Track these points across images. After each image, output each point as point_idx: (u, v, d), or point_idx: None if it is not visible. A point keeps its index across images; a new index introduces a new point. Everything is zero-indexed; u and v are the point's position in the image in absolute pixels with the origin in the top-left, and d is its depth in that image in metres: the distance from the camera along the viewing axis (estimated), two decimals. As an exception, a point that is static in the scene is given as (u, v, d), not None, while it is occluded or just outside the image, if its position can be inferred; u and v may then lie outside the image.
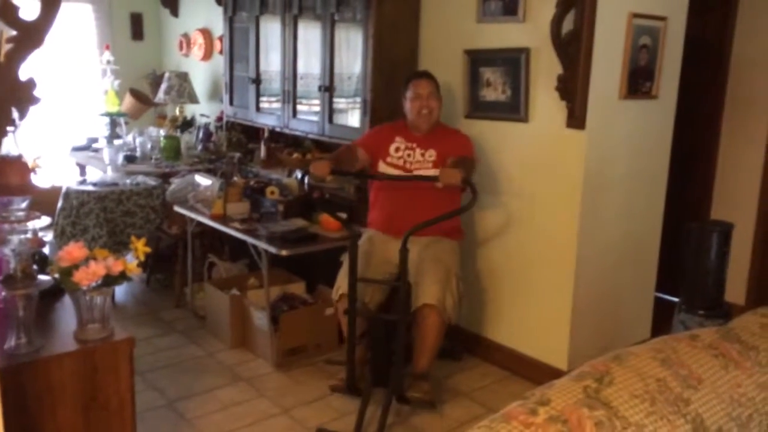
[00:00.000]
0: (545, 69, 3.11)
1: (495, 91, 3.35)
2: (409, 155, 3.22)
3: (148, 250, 2.16)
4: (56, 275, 2.06)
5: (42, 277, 2.33)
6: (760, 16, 3.93)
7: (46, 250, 2.68)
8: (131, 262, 2.10)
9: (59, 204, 4.14)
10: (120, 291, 4.43)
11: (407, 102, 3.21)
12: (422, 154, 3.20)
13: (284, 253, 3.29)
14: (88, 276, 1.93)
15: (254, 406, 3.11)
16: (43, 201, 4.06)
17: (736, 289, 4.06)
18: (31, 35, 1.58)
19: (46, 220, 2.06)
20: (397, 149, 3.24)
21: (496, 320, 3.56)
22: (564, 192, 3.14)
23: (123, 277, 2.02)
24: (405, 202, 3.16)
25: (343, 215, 3.43)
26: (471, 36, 3.42)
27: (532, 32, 3.15)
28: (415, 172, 3.16)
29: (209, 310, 3.89)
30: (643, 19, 3.07)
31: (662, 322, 3.56)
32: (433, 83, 3.21)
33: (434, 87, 3.21)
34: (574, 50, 2.95)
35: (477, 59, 3.39)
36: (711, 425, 1.35)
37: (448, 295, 2.96)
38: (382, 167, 3.23)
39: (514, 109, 3.27)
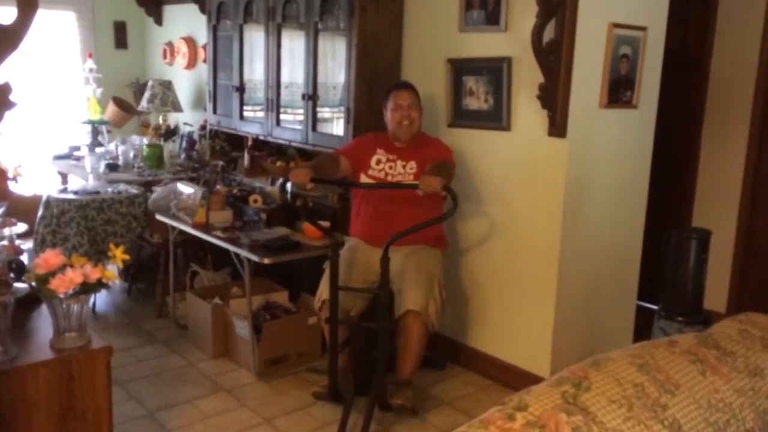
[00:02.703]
0: (527, 78, 3.14)
1: (477, 100, 3.36)
2: (390, 167, 3.23)
3: (126, 257, 2.14)
4: (33, 283, 2.03)
5: (19, 285, 2.31)
6: (738, 27, 3.99)
7: (25, 258, 2.65)
8: (111, 269, 2.08)
9: (39, 212, 4.10)
10: (101, 300, 4.38)
11: (388, 112, 3.22)
12: (403, 166, 3.21)
13: (266, 261, 3.27)
14: (64, 283, 1.91)
15: (236, 417, 3.08)
16: (23, 209, 4.04)
17: (717, 298, 4.09)
18: (6, 38, 1.56)
19: (22, 227, 2.04)
20: (378, 161, 3.25)
21: (478, 329, 3.56)
22: (546, 200, 3.16)
23: (100, 284, 2.00)
24: (387, 212, 3.16)
25: (326, 224, 3.42)
26: (453, 45, 3.44)
27: (513, 41, 3.17)
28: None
29: (191, 319, 3.85)
30: (623, 29, 3.10)
31: (644, 330, 3.58)
32: (413, 94, 3.22)
33: (415, 97, 3.22)
34: (555, 59, 2.97)
35: (459, 68, 3.40)
36: (688, 430, 1.36)
37: (431, 302, 2.96)
38: (364, 180, 3.24)
39: (497, 117, 3.28)
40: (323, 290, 3.06)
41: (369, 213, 3.24)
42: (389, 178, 3.21)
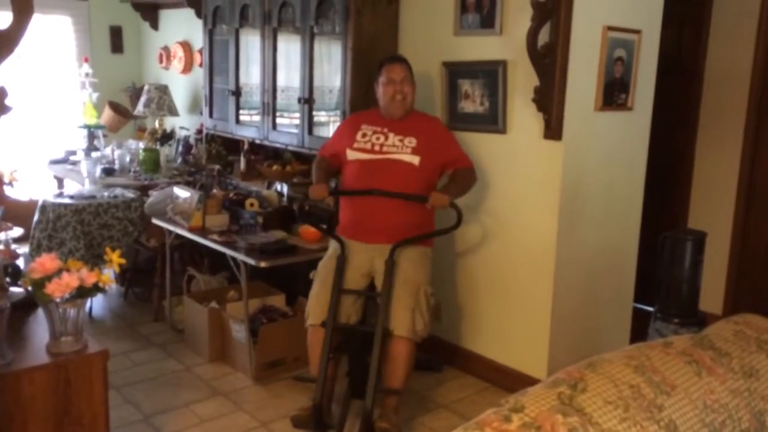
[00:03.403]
0: (522, 81, 3.15)
1: (473, 103, 3.37)
2: (377, 138, 3.09)
3: (123, 261, 2.14)
4: (29, 287, 2.03)
5: (15, 290, 2.30)
6: (732, 30, 4.01)
7: (21, 263, 2.64)
8: (107, 274, 2.08)
9: (35, 217, 4.09)
10: (97, 305, 4.37)
11: (380, 87, 3.11)
12: (400, 140, 3.07)
13: (263, 264, 3.27)
14: (60, 287, 1.91)
15: (232, 421, 3.07)
16: (19, 214, 4.04)
17: (713, 299, 4.10)
18: (2, 43, 1.56)
19: (18, 231, 2.04)
20: (364, 135, 3.12)
21: (475, 331, 3.56)
22: (542, 202, 3.16)
23: (97, 288, 2.00)
24: (373, 205, 3.03)
25: (324, 226, 3.42)
26: (449, 48, 3.45)
27: (508, 45, 3.18)
28: (392, 156, 3.04)
29: (188, 323, 3.85)
30: (618, 32, 3.12)
31: (641, 332, 3.58)
32: (407, 68, 3.13)
33: (408, 72, 3.12)
34: (550, 62, 2.98)
35: (455, 71, 3.41)
36: (684, 431, 1.36)
37: (417, 318, 2.87)
38: (350, 154, 3.12)
39: (492, 120, 3.29)
40: (312, 309, 2.95)
41: (355, 206, 3.10)
42: (377, 148, 3.07)
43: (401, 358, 2.89)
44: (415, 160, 3.04)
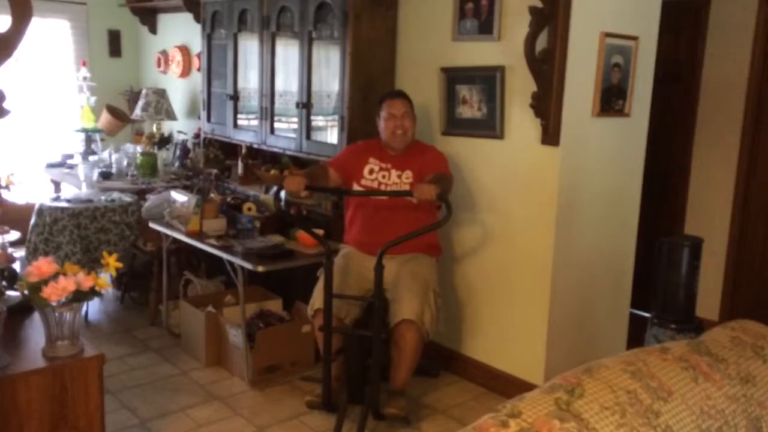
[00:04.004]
0: (520, 87, 3.15)
1: (471, 109, 3.38)
2: (383, 176, 3.22)
3: (119, 265, 2.14)
4: (25, 291, 2.03)
5: (11, 293, 2.30)
6: (728, 39, 4.03)
7: (17, 266, 2.64)
8: (104, 278, 2.08)
9: (32, 221, 4.08)
10: (93, 309, 4.36)
11: (381, 121, 3.22)
12: (398, 176, 3.21)
13: (260, 269, 3.27)
14: (57, 291, 1.90)
15: (229, 425, 3.06)
16: (16, 217, 4.03)
17: (710, 306, 4.11)
18: (1, 46, 1.57)
19: (14, 235, 2.04)
20: (371, 171, 3.24)
21: (473, 336, 3.56)
22: (539, 208, 3.17)
23: (93, 292, 1.99)
24: (381, 220, 3.16)
25: (320, 232, 3.42)
26: (447, 54, 3.46)
27: (506, 51, 3.19)
28: None
29: (184, 328, 3.84)
30: (615, 39, 3.13)
31: (638, 337, 3.58)
32: (407, 103, 3.22)
33: (409, 107, 3.22)
34: (547, 68, 2.99)
35: (453, 77, 3.42)
36: (681, 437, 1.36)
37: (426, 310, 2.95)
38: (358, 189, 3.23)
39: (490, 126, 3.30)
40: (316, 299, 3.05)
41: (363, 221, 3.23)
42: (383, 187, 3.21)
43: (407, 347, 2.94)
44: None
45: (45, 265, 1.98)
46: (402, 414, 2.96)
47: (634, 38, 3.23)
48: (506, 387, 3.31)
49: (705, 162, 4.21)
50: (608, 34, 3.09)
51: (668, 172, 4.31)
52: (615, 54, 3.15)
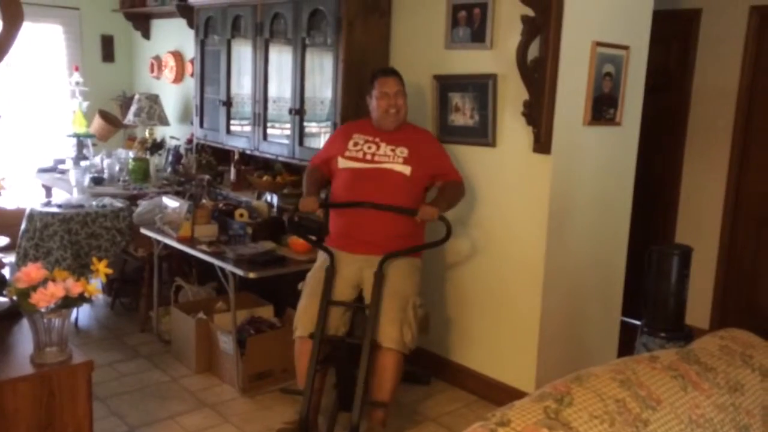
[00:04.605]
0: (512, 95, 3.17)
1: (463, 116, 3.39)
2: (369, 147, 3.11)
3: (109, 271, 2.13)
4: (13, 297, 2.01)
5: (0, 299, 2.28)
6: (718, 47, 4.06)
7: (6, 272, 2.62)
8: (94, 284, 2.07)
9: (23, 226, 4.06)
10: (83, 315, 4.34)
11: (373, 100, 3.13)
12: (392, 150, 3.09)
13: (252, 275, 3.26)
14: (45, 297, 1.89)
15: (219, 433, 3.05)
16: (6, 222, 4.01)
17: (700, 315, 4.12)
18: (-9, 52, 1.56)
19: (4, 240, 2.02)
20: (356, 144, 3.14)
21: (464, 344, 3.55)
22: (531, 216, 3.18)
23: (82, 298, 1.98)
24: (362, 217, 3.04)
25: (313, 238, 3.41)
26: (440, 62, 3.47)
27: (499, 59, 3.20)
28: (384, 166, 3.06)
29: (175, 334, 3.82)
30: (607, 48, 3.15)
31: (628, 346, 3.59)
32: (400, 81, 3.15)
33: (401, 85, 3.15)
34: (539, 77, 3.01)
35: (446, 84, 3.43)
36: (670, 446, 1.36)
37: (405, 330, 2.86)
38: (342, 162, 3.13)
39: (482, 133, 3.31)
40: (300, 321, 2.94)
41: (345, 216, 3.10)
42: (368, 157, 3.09)
43: (389, 370, 2.88)
44: (407, 170, 3.05)
45: (34, 270, 1.97)
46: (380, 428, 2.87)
47: (626, 47, 3.25)
48: (497, 395, 3.31)
49: (695, 171, 4.23)
50: (599, 44, 3.11)
51: (659, 180, 4.33)
52: (606, 63, 3.17)
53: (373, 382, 2.90)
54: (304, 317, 2.93)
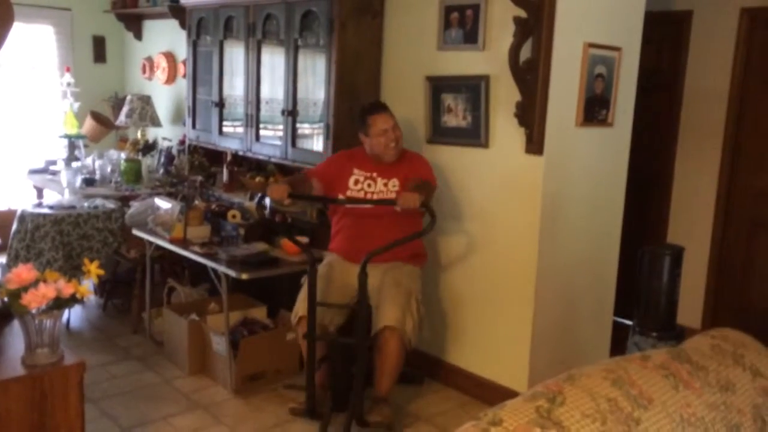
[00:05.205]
0: (504, 96, 3.17)
1: (456, 117, 3.39)
2: (369, 185, 3.22)
3: (101, 272, 2.12)
4: (4, 298, 2.00)
5: (-10, 301, 2.27)
6: (709, 48, 4.08)
7: (-3, 273, 2.61)
8: (85, 285, 2.06)
9: (14, 227, 4.04)
10: (75, 316, 4.32)
11: (371, 138, 3.18)
12: (385, 184, 3.21)
13: (244, 276, 3.26)
14: (37, 298, 1.88)
15: (211, 434, 3.04)
16: (-3, 224, 3.98)
17: (692, 314, 4.14)
18: (-19, 52, 1.55)
19: (-6, 241, 2.01)
20: (356, 182, 3.24)
21: (457, 344, 3.56)
22: (523, 217, 3.18)
23: (74, 299, 1.97)
24: (366, 229, 3.16)
25: (305, 239, 3.42)
26: (432, 63, 3.48)
27: (491, 60, 3.21)
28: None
29: (167, 335, 3.81)
30: (599, 49, 3.16)
31: (620, 346, 3.61)
32: (391, 113, 3.22)
33: (393, 117, 3.22)
34: (531, 78, 3.02)
35: (438, 86, 3.44)
36: (661, 444, 1.37)
37: (408, 317, 2.95)
38: (341, 198, 3.22)
39: (475, 134, 3.31)
40: (300, 306, 3.04)
41: (348, 230, 3.23)
42: (369, 196, 3.20)
43: (390, 354, 2.94)
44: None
45: (25, 271, 1.96)
46: (386, 422, 2.96)
47: (617, 49, 3.27)
48: (490, 395, 3.31)
49: (687, 171, 4.25)
50: (591, 45, 3.12)
51: (651, 180, 4.35)
52: (598, 64, 3.18)
53: (375, 368, 2.99)
54: (304, 302, 2.99)
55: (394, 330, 2.91)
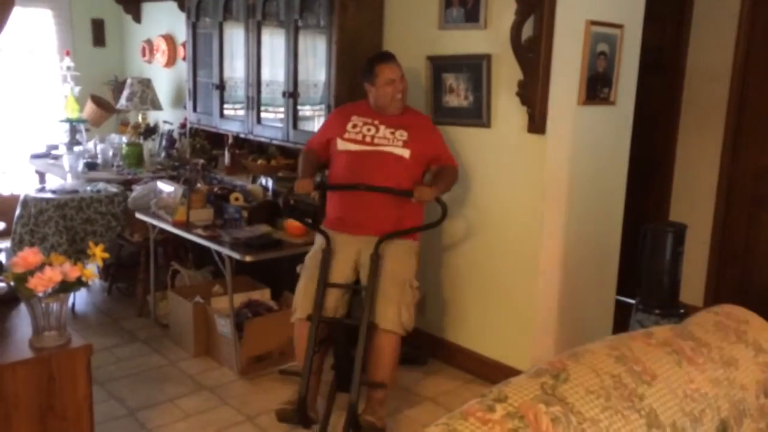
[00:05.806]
0: (506, 75, 3.16)
1: (458, 97, 3.38)
2: (369, 130, 3.10)
3: (106, 255, 2.13)
4: (11, 282, 2.02)
5: (-4, 285, 2.28)
6: (712, 26, 4.05)
7: (2, 257, 2.63)
8: (90, 268, 2.07)
9: (17, 212, 4.05)
10: (80, 300, 4.34)
11: (377, 88, 3.10)
12: (392, 132, 3.09)
13: (248, 258, 3.26)
14: (43, 282, 1.89)
15: (218, 415, 3.07)
16: (1, 209, 3.99)
17: (694, 292, 4.15)
18: (-18, 36, 1.55)
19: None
20: (355, 125, 3.13)
21: (460, 324, 3.58)
22: (526, 196, 3.18)
23: (80, 283, 1.99)
24: (359, 197, 3.03)
25: (309, 220, 3.42)
26: (433, 42, 3.46)
27: (493, 39, 3.19)
28: (383, 148, 3.05)
29: (172, 318, 3.84)
30: (601, 27, 3.14)
31: (623, 324, 3.62)
32: (399, 64, 3.15)
33: (401, 68, 3.15)
34: (533, 57, 3.00)
35: (440, 65, 3.42)
36: (665, 420, 1.38)
37: (403, 311, 2.87)
38: (341, 144, 3.11)
39: (477, 114, 3.30)
40: (299, 304, 2.94)
41: (342, 197, 3.10)
42: (367, 139, 3.08)
43: (387, 351, 2.90)
44: (406, 153, 3.05)
45: (31, 255, 1.97)
46: (379, 425, 2.85)
47: (620, 26, 3.24)
48: (494, 374, 3.33)
49: (689, 149, 4.24)
50: (594, 23, 3.09)
51: (653, 159, 4.34)
52: (600, 42, 3.16)
53: (371, 364, 2.91)
54: (303, 300, 2.94)
55: (388, 331, 2.86)
